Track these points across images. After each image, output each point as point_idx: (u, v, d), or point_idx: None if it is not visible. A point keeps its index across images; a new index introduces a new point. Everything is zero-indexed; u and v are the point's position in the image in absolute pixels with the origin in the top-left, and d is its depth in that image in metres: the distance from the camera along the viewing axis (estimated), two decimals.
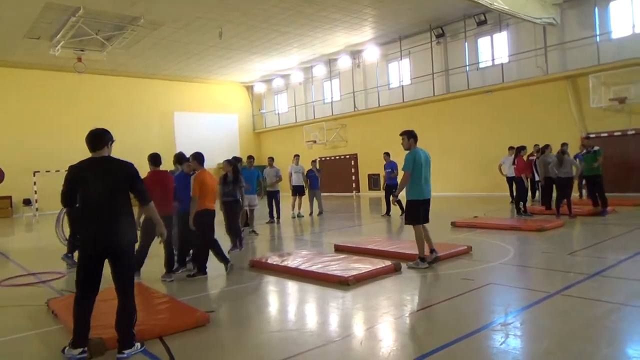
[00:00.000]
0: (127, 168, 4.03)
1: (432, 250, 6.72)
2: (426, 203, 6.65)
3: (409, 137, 6.69)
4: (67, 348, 3.88)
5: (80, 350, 3.83)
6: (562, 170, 10.87)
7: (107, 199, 3.86)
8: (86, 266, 3.87)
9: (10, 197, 21.55)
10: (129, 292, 3.97)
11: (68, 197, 3.95)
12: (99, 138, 4.03)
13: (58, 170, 18.83)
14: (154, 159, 6.92)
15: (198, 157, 6.94)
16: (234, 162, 9.14)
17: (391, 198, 6.56)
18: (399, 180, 7.13)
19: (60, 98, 23.71)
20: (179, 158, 7.69)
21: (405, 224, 6.87)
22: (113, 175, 3.94)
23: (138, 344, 3.95)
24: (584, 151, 11.74)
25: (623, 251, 7.05)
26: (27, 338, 4.60)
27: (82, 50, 19.10)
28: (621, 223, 9.90)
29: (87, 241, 3.86)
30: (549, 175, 11.56)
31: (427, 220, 6.68)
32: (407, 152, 6.69)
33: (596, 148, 11.47)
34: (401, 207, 12.46)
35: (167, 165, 7.59)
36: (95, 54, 19.41)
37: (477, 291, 5.38)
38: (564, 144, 11.32)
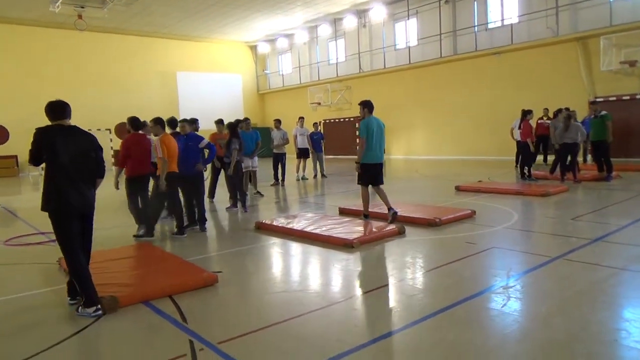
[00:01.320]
0: (93, 139, 4.28)
1: (389, 209, 7.19)
2: (378, 167, 7.34)
3: (364, 107, 7.32)
4: (80, 308, 4.01)
5: (94, 308, 3.97)
6: (567, 135, 10.80)
7: (79, 166, 4.07)
8: (70, 227, 4.05)
9: (16, 157, 21.67)
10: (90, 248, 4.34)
11: (37, 159, 4.05)
12: (62, 108, 4.18)
13: None
14: (134, 123, 7.12)
15: (160, 122, 7.05)
16: (230, 123, 9.06)
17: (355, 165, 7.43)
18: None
19: (62, 56, 23.44)
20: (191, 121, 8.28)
21: (358, 183, 7.55)
22: (82, 144, 4.16)
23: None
24: (592, 116, 11.61)
25: (626, 217, 7.10)
26: (42, 294, 4.75)
27: (82, 7, 18.75)
28: (625, 188, 9.92)
29: (65, 204, 4.00)
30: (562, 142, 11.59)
31: (381, 182, 7.39)
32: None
33: (603, 113, 11.33)
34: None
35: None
36: (95, 10, 19.05)
37: (480, 255, 5.47)
38: (572, 111, 11.20)
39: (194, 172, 7.34)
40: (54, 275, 5.29)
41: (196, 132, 8.23)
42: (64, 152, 3.96)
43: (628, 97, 15.60)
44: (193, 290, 4.47)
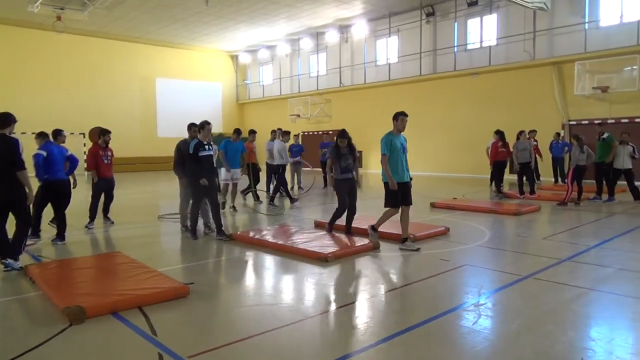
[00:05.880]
0: (9, 144, 5.47)
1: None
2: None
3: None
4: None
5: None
6: (581, 157, 10.70)
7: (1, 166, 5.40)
8: None
9: None
10: (25, 223, 5.77)
11: None
12: (1, 120, 5.56)
13: (34, 133, 18.41)
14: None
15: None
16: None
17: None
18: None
19: (40, 57, 23.07)
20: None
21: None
22: (1, 149, 5.42)
23: (19, 263, 5.57)
24: (597, 137, 11.44)
25: (594, 237, 7.30)
26: (6, 303, 4.58)
27: (61, 9, 18.48)
28: (595, 209, 10.19)
29: None
30: (521, 161, 11.90)
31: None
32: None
33: (605, 135, 11.20)
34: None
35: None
36: (75, 13, 18.80)
37: (453, 272, 5.52)
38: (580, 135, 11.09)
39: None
40: (18, 283, 5.12)
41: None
42: None
43: (600, 122, 16.05)
44: (164, 302, 4.39)
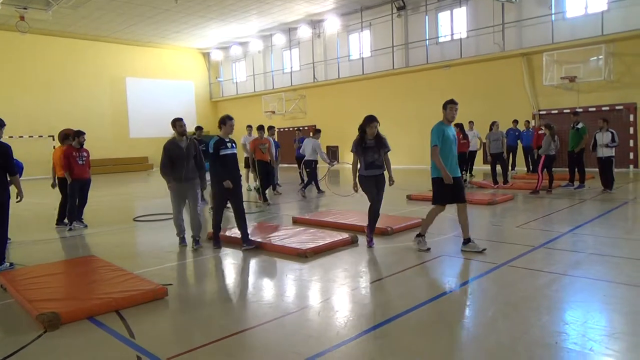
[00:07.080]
0: (2, 149, 5.63)
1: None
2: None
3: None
4: None
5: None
6: (552, 147, 10.86)
7: None
8: None
9: None
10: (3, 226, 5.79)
11: None
12: None
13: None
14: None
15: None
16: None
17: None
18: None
19: (3, 58, 22.38)
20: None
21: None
22: None
23: (7, 263, 5.75)
24: (572, 125, 11.56)
25: (566, 224, 7.49)
26: None
27: (25, 8, 17.92)
28: (567, 196, 10.45)
29: None
30: (494, 152, 12.19)
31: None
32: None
33: (580, 125, 11.25)
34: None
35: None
36: (39, 12, 18.26)
37: (431, 262, 5.59)
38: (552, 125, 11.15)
39: None
40: None
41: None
42: None
43: (568, 111, 16.47)
44: (141, 304, 4.32)
